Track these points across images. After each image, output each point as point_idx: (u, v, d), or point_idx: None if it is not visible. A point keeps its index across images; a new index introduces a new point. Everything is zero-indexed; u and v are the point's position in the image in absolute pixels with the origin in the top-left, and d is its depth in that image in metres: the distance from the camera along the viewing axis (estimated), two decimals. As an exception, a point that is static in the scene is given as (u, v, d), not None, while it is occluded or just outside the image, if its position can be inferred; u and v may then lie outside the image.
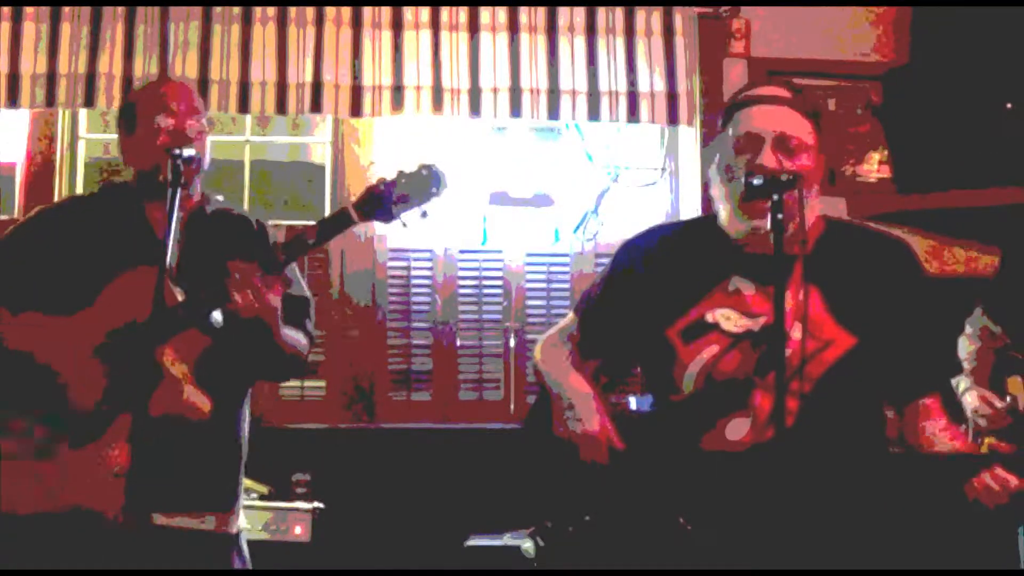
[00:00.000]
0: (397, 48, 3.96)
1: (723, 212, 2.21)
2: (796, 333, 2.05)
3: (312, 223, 2.39)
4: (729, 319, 2.15)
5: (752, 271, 2.16)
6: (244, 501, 2.68)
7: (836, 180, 4.06)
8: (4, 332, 2.48)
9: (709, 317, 2.17)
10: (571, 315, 2.41)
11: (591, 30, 4.03)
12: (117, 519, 2.16)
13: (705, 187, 3.85)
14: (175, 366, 2.34)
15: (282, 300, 2.42)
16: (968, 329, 2.98)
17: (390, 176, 2.35)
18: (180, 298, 2.34)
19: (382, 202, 2.33)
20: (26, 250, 2.59)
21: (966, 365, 2.92)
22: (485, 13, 4.01)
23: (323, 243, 2.39)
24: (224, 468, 2.57)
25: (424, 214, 2.37)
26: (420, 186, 2.34)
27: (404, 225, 2.36)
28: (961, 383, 2.90)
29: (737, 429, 2.10)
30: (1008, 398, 2.85)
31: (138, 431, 2.11)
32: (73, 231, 2.57)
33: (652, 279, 2.25)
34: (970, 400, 2.91)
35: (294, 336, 2.53)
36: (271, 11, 3.93)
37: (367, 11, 3.97)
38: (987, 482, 2.00)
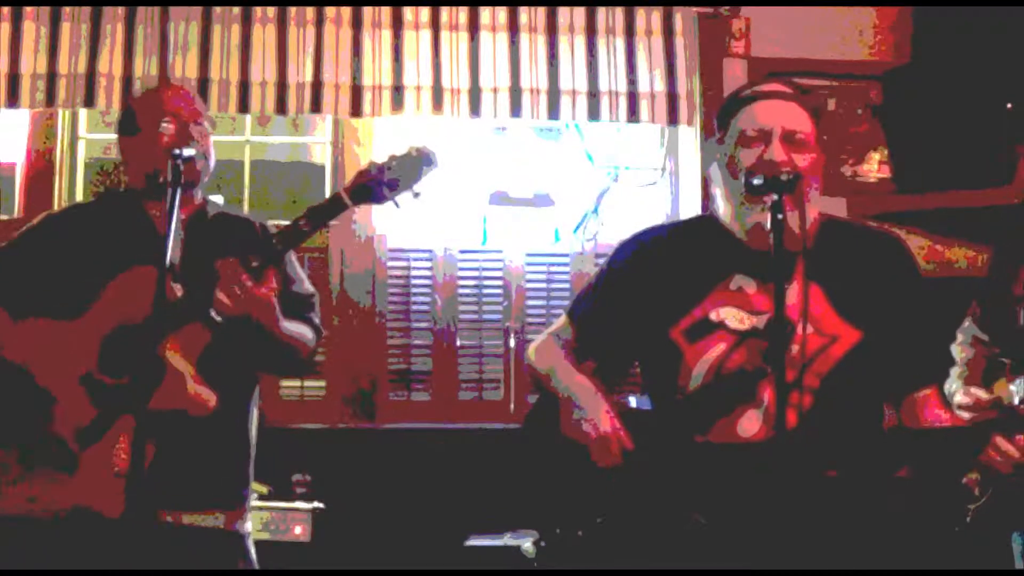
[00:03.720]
0: (397, 48, 3.96)
1: (726, 209, 2.20)
2: (800, 329, 2.05)
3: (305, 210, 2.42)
4: (734, 317, 2.15)
5: (753, 268, 2.16)
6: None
7: (836, 180, 4.06)
8: (2, 339, 2.51)
9: (713, 316, 2.16)
10: (563, 318, 2.37)
11: (591, 30, 4.03)
12: (119, 519, 2.17)
13: (705, 187, 3.89)
14: (178, 361, 2.35)
15: (284, 296, 2.46)
16: (960, 338, 2.99)
17: (382, 160, 2.38)
18: (180, 294, 2.36)
19: (373, 185, 2.36)
20: (30, 255, 2.60)
21: (958, 371, 2.93)
22: (485, 13, 4.01)
23: (317, 229, 2.42)
24: (233, 465, 2.57)
25: (416, 195, 2.38)
26: (411, 167, 2.36)
27: (397, 206, 2.39)
28: (952, 387, 2.90)
29: (748, 424, 2.10)
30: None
31: (142, 428, 2.11)
32: (76, 236, 2.59)
33: (652, 278, 2.24)
34: (957, 399, 2.92)
35: (297, 330, 2.54)
36: (271, 11, 3.93)
37: (367, 11, 3.97)
38: (1002, 445, 2.02)
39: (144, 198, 2.58)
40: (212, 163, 2.65)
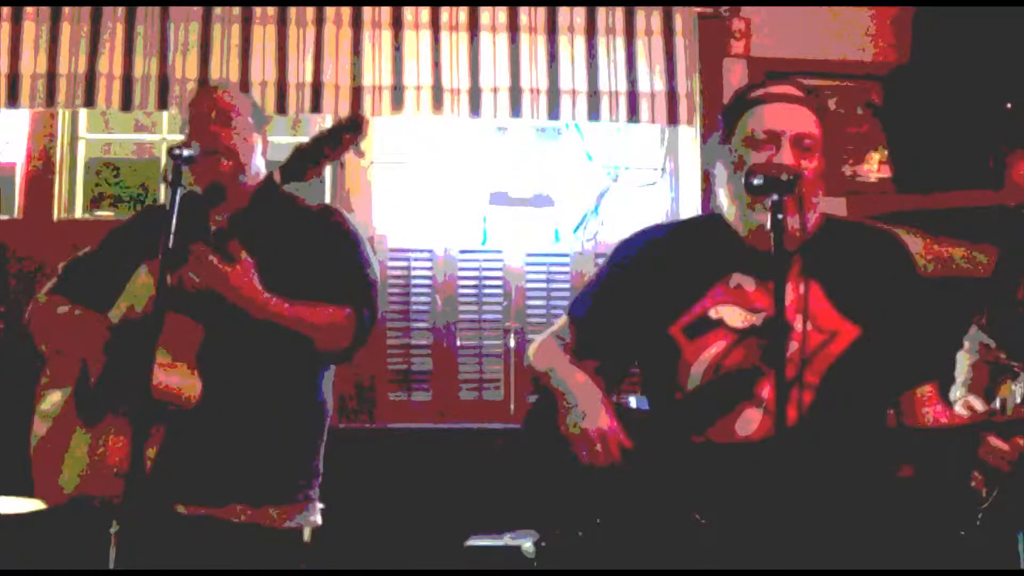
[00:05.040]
0: (397, 48, 3.97)
1: (729, 208, 2.20)
2: (799, 326, 2.05)
3: None
4: (733, 315, 2.15)
5: (752, 267, 2.16)
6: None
7: (836, 180, 4.06)
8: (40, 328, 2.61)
9: (713, 313, 2.17)
10: (564, 318, 2.38)
11: (591, 30, 4.03)
12: (121, 511, 2.19)
13: (706, 187, 3.90)
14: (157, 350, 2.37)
15: (339, 281, 2.52)
16: (966, 344, 2.99)
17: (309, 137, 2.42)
18: (170, 281, 2.37)
19: (299, 161, 2.39)
20: (96, 263, 2.68)
21: (963, 378, 2.93)
22: (485, 13, 4.01)
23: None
24: (261, 458, 2.53)
25: (341, 165, 2.41)
26: (336, 137, 2.38)
27: (320, 178, 2.48)
28: (957, 394, 2.90)
29: (748, 422, 2.10)
30: (997, 401, 2.85)
31: (137, 422, 2.13)
32: (140, 241, 2.63)
33: (651, 277, 2.24)
34: (957, 408, 2.92)
35: (306, 313, 2.49)
36: (271, 11, 3.93)
37: (367, 11, 3.97)
38: (996, 444, 2.06)
39: (206, 202, 2.60)
40: (254, 161, 2.63)
